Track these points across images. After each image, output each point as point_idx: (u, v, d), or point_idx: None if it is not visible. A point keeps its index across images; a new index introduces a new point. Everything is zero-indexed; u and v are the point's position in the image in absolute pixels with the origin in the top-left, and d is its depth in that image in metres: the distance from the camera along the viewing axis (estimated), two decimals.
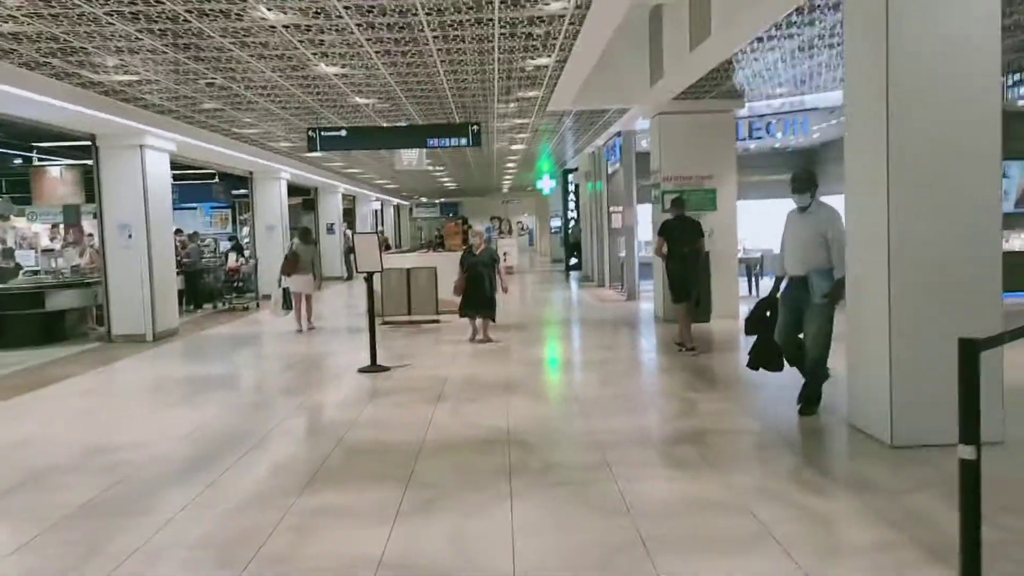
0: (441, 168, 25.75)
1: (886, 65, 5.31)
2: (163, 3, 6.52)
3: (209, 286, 17.65)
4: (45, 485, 5.19)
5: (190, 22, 7.09)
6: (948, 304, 5.33)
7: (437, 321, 13.43)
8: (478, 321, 11.25)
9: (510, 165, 25.65)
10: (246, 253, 19.44)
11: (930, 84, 5.31)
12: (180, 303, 16.74)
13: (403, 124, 13.73)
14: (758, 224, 16.35)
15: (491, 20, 7.48)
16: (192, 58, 8.45)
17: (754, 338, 6.73)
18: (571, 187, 25.77)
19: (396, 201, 42.29)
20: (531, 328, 13.13)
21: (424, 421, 6.73)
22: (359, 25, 7.44)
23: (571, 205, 25.78)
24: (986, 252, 5.37)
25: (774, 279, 6.78)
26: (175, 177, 22.56)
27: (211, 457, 5.85)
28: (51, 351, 11.40)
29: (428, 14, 7.16)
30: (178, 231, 19.78)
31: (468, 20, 7.44)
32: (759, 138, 14.97)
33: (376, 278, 10.96)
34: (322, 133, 12.58)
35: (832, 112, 15.04)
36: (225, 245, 21.16)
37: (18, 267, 14.41)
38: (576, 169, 24.77)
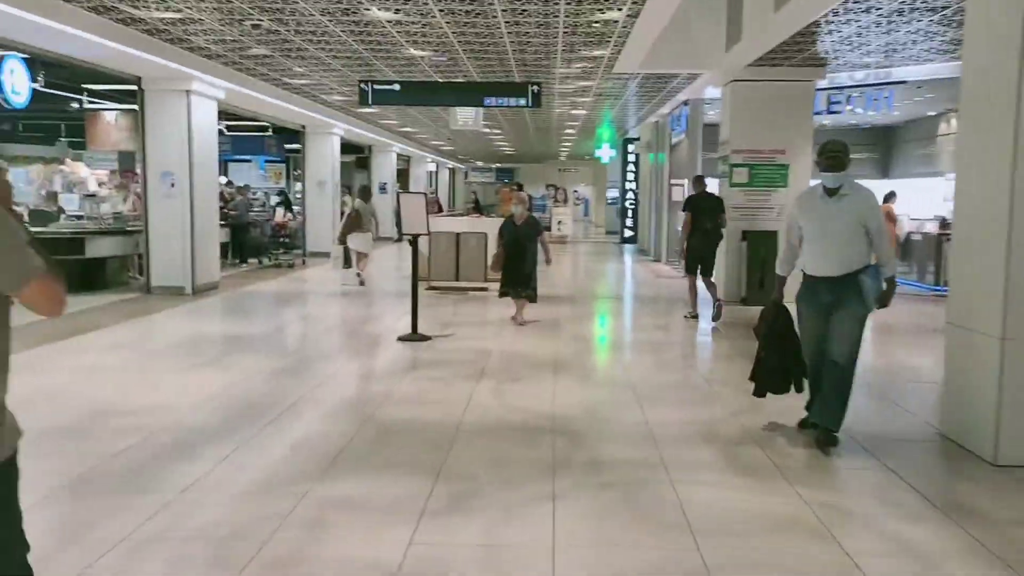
0: (498, 131, 25.04)
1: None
2: None
3: (256, 240, 17.31)
4: (39, 450, 4.62)
5: None
6: None
7: (485, 289, 12.85)
8: (519, 301, 9.85)
9: (569, 131, 24.84)
10: (295, 209, 19.06)
11: None
12: (225, 256, 16.51)
13: (460, 80, 13.08)
14: None
15: None
16: None
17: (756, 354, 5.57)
18: (631, 157, 24.92)
19: (451, 164, 41.73)
20: (582, 302, 12.48)
21: (463, 400, 6.17)
22: None
23: (630, 176, 24.95)
24: None
25: (778, 282, 5.41)
26: (228, 128, 22.35)
27: (229, 428, 5.37)
28: (88, 299, 11.09)
29: None
30: (227, 183, 19.52)
31: None
32: (836, 112, 13.94)
33: (423, 241, 10.43)
34: (375, 86, 12.03)
35: (919, 87, 13.98)
36: (276, 200, 20.85)
37: (60, 211, 14.16)
38: (638, 139, 23.88)
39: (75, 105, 17.60)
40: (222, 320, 10.62)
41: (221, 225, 15.66)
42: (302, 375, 7.07)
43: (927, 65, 11.43)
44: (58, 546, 3.47)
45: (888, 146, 21.19)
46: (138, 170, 12.89)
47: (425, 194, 10.48)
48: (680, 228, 10.99)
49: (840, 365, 4.95)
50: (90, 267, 12.26)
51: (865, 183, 5.51)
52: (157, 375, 7.08)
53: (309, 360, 7.79)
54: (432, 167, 36.94)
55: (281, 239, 17.27)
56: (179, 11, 8.63)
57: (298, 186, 24.41)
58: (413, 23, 9.15)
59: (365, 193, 14.24)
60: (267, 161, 28.91)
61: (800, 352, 5.23)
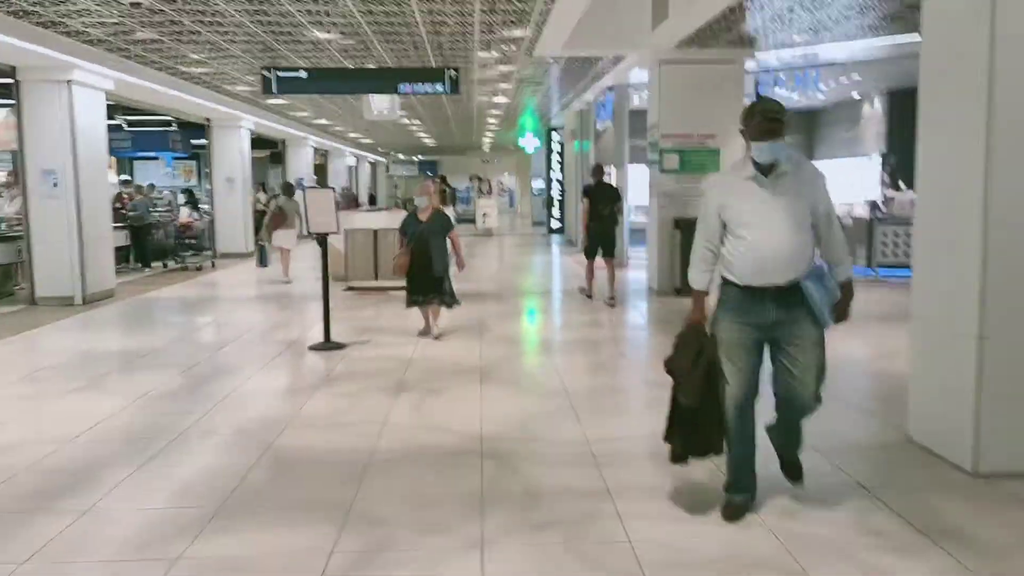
0: (417, 122, 24.19)
1: None
2: None
3: (159, 243, 16.15)
4: None
5: None
6: None
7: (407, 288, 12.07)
8: (431, 309, 8.39)
9: (491, 121, 24.16)
10: (201, 207, 17.89)
11: None
12: (127, 261, 15.34)
13: (371, 67, 12.26)
14: None
15: None
16: None
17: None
18: (556, 147, 24.39)
19: (372, 157, 40.59)
20: (509, 299, 11.83)
21: (378, 420, 5.45)
22: None
23: (555, 166, 24.42)
24: None
25: (695, 298, 3.84)
26: (128, 123, 20.98)
27: (99, 468, 4.54)
28: None
29: None
30: (125, 182, 18.26)
31: None
32: (765, 95, 13.59)
33: (340, 239, 9.64)
34: (279, 74, 11.14)
35: (844, 68, 13.75)
36: (183, 199, 19.60)
37: None
38: (562, 127, 23.35)
39: None
40: (112, 333, 9.61)
41: (119, 227, 14.54)
42: (196, 396, 6.23)
43: (858, 42, 11.11)
44: None
45: (812, 129, 21.13)
46: None
47: (334, 189, 9.63)
48: (581, 214, 11.42)
49: (808, 410, 3.80)
50: None
51: None
52: (25, 403, 6.14)
53: (206, 377, 6.93)
54: (352, 161, 35.77)
55: (187, 240, 16.12)
56: None
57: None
58: (315, 1, 8.33)
59: (288, 189, 14.28)
60: (175, 158, 27.45)
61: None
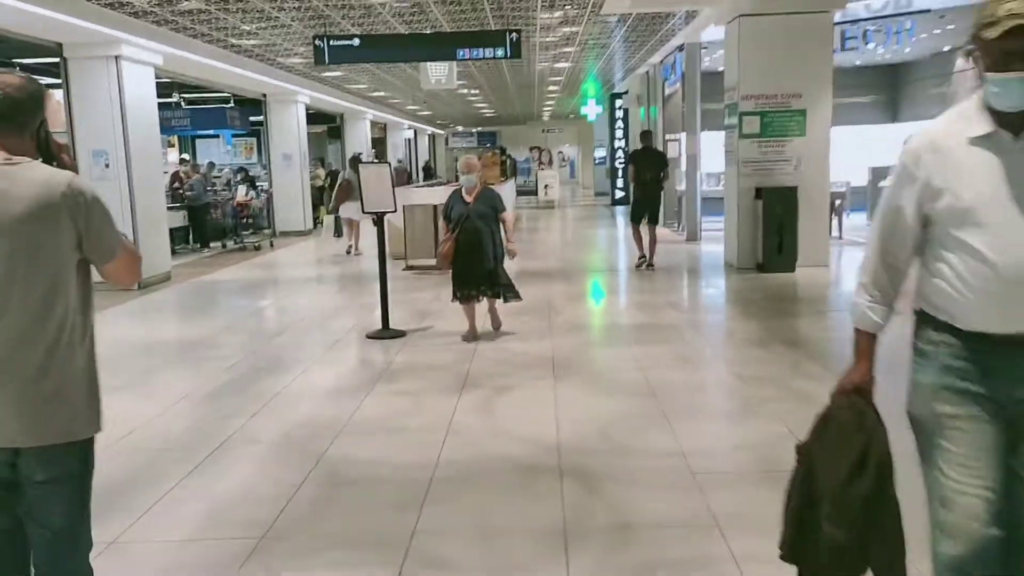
0: (476, 92, 23.45)
1: None
2: None
3: (218, 223, 15.84)
4: None
5: None
6: None
7: None
8: (479, 306, 7.13)
9: (552, 88, 23.29)
10: (258, 186, 17.55)
11: None
12: (185, 242, 15.08)
13: (428, 32, 11.57)
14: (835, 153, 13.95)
15: None
16: None
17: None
18: (619, 113, 23.46)
19: (431, 130, 40.03)
20: (576, 277, 11.13)
21: (440, 425, 4.84)
22: None
23: (619, 133, 23.50)
24: None
25: (858, 343, 2.25)
26: (185, 100, 20.72)
27: (129, 489, 4.03)
28: None
29: None
30: (183, 160, 18.02)
31: None
32: (853, 48, 12.49)
33: (398, 216, 9.08)
34: (331, 42, 10.58)
35: (942, 17, 12.54)
36: (240, 177, 19.32)
37: None
38: (626, 93, 22.39)
39: None
40: (163, 321, 9.22)
41: (175, 208, 14.25)
42: (242, 396, 5.71)
43: None
44: None
45: (895, 87, 19.72)
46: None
47: (389, 164, 9.02)
48: (630, 179, 11.75)
49: None
50: None
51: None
52: None
53: (255, 374, 6.40)
54: (410, 134, 35.28)
55: (244, 220, 15.78)
56: None
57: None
58: None
59: (354, 163, 13.86)
60: (234, 135, 27.23)
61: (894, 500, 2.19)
